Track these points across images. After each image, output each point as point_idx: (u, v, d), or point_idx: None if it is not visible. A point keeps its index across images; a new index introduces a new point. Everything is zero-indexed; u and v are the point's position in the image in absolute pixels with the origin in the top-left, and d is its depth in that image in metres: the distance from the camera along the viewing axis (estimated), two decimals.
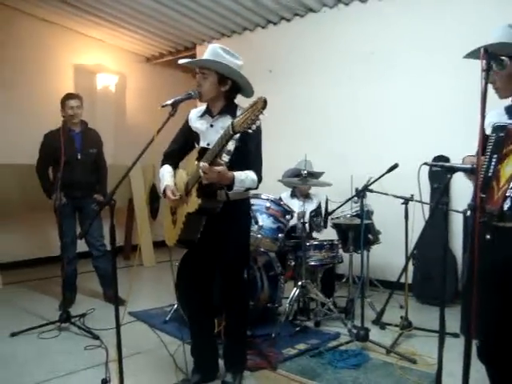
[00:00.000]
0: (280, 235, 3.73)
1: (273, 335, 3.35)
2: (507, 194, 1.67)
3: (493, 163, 1.73)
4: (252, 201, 3.36)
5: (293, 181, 4.09)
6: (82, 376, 2.84)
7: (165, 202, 2.68)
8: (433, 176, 4.57)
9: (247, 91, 2.59)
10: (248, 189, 2.49)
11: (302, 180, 3.78)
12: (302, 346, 3.29)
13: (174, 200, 2.52)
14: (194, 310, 2.73)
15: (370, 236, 4.09)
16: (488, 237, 1.78)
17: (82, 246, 4.38)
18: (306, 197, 4.36)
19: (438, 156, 4.42)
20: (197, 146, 2.57)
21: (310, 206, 4.33)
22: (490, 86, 1.78)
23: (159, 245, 5.62)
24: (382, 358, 3.09)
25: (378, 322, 3.66)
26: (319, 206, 4.40)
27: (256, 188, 2.53)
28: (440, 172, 4.33)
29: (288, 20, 5.85)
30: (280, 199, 4.05)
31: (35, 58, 6.14)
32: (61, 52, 6.46)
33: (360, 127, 5.18)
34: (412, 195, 3.56)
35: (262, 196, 3.72)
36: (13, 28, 5.92)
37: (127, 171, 2.25)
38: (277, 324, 3.48)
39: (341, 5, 5.35)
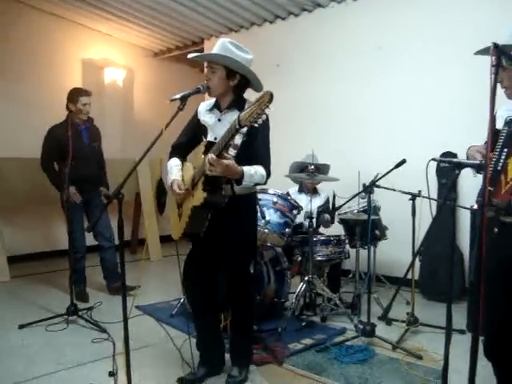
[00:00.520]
0: (287, 230, 3.73)
1: (279, 330, 3.35)
2: None
3: (503, 156, 1.72)
4: (259, 195, 3.37)
5: (300, 176, 4.08)
6: (89, 368, 2.87)
7: (171, 196, 2.69)
8: (440, 172, 4.55)
9: (256, 85, 2.58)
10: (256, 184, 2.49)
11: (309, 175, 3.78)
12: (308, 341, 3.30)
13: (180, 193, 2.53)
14: (200, 304, 2.73)
15: (376, 232, 4.07)
16: (496, 230, 1.77)
17: (87, 240, 4.39)
18: (314, 192, 4.35)
19: (446, 152, 4.39)
20: (204, 139, 2.57)
21: (318, 201, 4.33)
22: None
23: (166, 239, 5.64)
24: (388, 354, 3.09)
25: (385, 317, 3.67)
26: (327, 201, 4.39)
27: (265, 183, 2.52)
28: (448, 168, 4.27)
29: (296, 15, 5.83)
30: (288, 194, 4.05)
31: (43, 52, 6.17)
32: (68, 46, 6.48)
33: (368, 122, 5.16)
34: (419, 191, 3.55)
35: (270, 191, 3.72)
36: (21, 22, 5.94)
37: (135, 165, 2.25)
38: (283, 319, 3.49)
39: (349, 0, 5.33)
